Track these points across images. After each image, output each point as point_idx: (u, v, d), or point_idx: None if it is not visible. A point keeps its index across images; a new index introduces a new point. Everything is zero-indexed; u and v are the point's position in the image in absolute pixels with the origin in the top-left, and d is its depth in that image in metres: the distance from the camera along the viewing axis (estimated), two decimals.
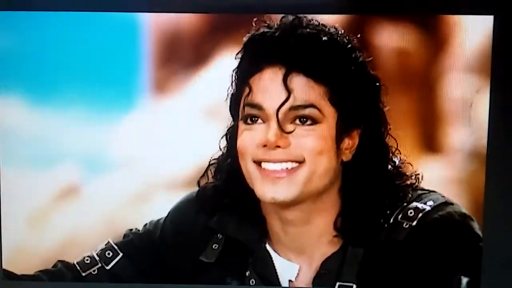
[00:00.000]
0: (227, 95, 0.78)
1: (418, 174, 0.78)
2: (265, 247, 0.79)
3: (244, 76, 0.76)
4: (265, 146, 0.74)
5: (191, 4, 0.78)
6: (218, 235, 0.80)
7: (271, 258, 0.79)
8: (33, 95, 0.81)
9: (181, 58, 0.79)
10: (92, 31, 0.79)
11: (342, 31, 0.75)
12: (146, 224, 0.82)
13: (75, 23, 0.79)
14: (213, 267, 0.80)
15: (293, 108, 0.74)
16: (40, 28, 0.79)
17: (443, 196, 0.77)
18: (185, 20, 0.79)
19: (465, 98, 0.78)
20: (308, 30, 0.74)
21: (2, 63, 0.80)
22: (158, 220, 0.82)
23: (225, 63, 0.78)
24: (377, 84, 0.76)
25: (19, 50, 0.80)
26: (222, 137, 0.79)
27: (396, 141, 0.78)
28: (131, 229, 0.82)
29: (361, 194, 0.77)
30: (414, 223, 0.76)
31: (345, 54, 0.74)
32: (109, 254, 0.81)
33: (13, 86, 0.81)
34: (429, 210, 0.76)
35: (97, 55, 0.79)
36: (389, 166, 0.78)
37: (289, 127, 0.74)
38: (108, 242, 0.82)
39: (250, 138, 0.75)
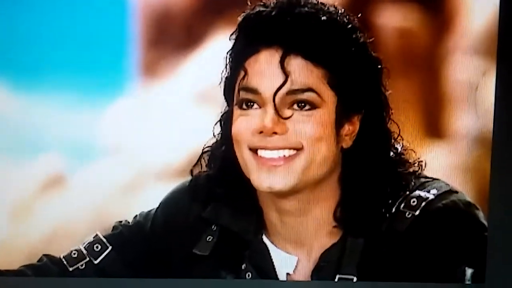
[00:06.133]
0: (221, 78, 0.76)
1: (421, 161, 0.78)
2: (262, 238, 0.79)
3: (239, 59, 0.74)
4: (261, 132, 0.73)
5: None
6: (212, 226, 0.79)
7: (268, 250, 0.78)
8: (17, 80, 0.79)
9: (172, 39, 0.79)
10: (79, 12, 0.78)
11: (342, 10, 0.74)
12: (136, 215, 0.81)
13: (61, 4, 0.78)
14: (207, 260, 0.79)
15: (291, 92, 0.72)
16: (25, 10, 0.78)
17: (447, 184, 0.77)
18: None
19: (471, 81, 0.77)
20: (306, 9, 0.72)
21: None
22: (149, 211, 0.81)
23: (218, 44, 0.77)
24: (379, 66, 0.75)
25: (3, 34, 0.79)
26: (216, 124, 0.78)
27: (398, 127, 0.77)
28: (120, 221, 0.81)
29: (361, 182, 0.76)
30: (417, 212, 0.75)
31: (345, 35, 0.73)
32: (97, 247, 0.80)
33: None
34: (432, 199, 0.75)
35: (84, 37, 0.78)
36: (391, 153, 0.77)
37: (287, 112, 0.73)
38: (96, 235, 0.81)
39: (246, 124, 0.74)
